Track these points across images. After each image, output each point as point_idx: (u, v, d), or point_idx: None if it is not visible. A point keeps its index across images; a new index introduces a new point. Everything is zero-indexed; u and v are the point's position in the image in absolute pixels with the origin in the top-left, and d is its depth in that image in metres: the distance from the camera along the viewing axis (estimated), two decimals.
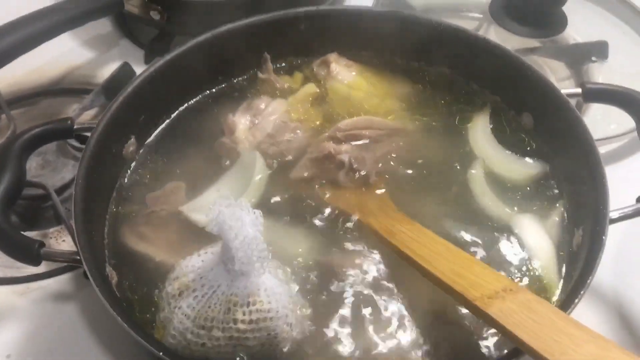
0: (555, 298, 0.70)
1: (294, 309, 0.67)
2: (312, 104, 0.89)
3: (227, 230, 0.59)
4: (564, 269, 0.71)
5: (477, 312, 0.61)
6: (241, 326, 0.62)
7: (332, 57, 0.92)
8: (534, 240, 0.75)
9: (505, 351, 0.64)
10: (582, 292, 0.62)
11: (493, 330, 0.66)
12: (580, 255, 0.69)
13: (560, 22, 1.14)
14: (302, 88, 0.90)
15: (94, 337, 0.79)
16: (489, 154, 0.84)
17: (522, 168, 0.82)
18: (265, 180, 0.80)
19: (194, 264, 0.67)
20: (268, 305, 0.63)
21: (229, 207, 0.60)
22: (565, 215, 0.77)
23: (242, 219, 0.59)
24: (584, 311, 0.75)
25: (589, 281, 0.63)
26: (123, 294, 0.70)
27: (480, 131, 0.86)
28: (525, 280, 0.72)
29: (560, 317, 0.58)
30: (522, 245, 0.75)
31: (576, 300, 0.61)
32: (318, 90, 0.90)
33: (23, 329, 0.81)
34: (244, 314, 0.62)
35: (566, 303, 0.63)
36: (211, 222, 0.60)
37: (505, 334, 0.59)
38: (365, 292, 0.71)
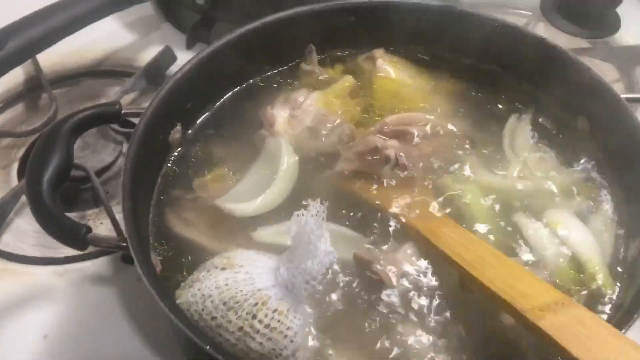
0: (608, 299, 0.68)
1: (306, 345, 0.65)
2: (351, 97, 0.88)
3: (304, 246, 0.61)
4: (618, 284, 0.69)
5: (527, 325, 0.59)
6: (257, 324, 0.61)
7: (379, 52, 0.91)
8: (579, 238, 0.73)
9: None
10: None
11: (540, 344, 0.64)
12: (637, 270, 0.66)
13: (613, 24, 1.11)
14: (340, 80, 0.89)
15: (130, 321, 0.80)
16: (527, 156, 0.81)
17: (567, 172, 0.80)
18: (296, 169, 0.79)
19: (251, 256, 0.67)
20: (291, 324, 0.63)
21: (314, 218, 0.61)
22: (619, 225, 0.75)
23: (319, 246, 0.61)
24: None
25: None
26: (165, 280, 0.69)
27: (519, 133, 0.84)
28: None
29: (615, 335, 0.56)
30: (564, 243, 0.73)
31: (635, 316, 0.59)
32: (356, 82, 0.89)
33: (60, 310, 0.81)
34: (265, 316, 0.62)
35: (622, 321, 0.60)
36: (292, 229, 0.62)
37: (556, 349, 0.57)
38: (404, 303, 0.68)
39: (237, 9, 1.09)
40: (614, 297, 0.68)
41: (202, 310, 0.63)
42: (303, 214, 0.64)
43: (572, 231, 0.73)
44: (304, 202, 0.68)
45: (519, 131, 0.84)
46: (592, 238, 0.73)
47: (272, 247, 0.70)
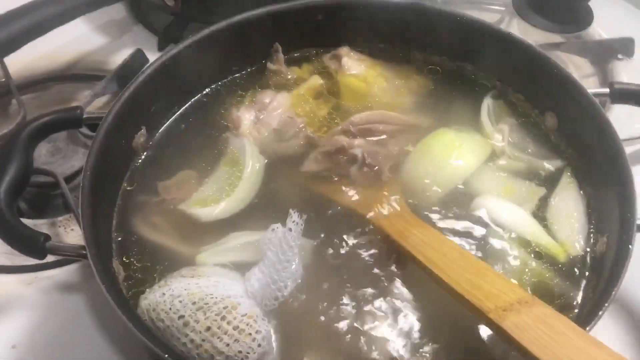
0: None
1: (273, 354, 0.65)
2: (318, 97, 0.87)
3: (277, 259, 0.64)
4: (584, 281, 0.69)
5: (491, 325, 0.59)
6: (225, 325, 0.61)
7: (344, 50, 0.90)
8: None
9: None
10: (605, 305, 0.59)
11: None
12: (604, 265, 0.66)
13: (585, 18, 1.11)
14: (307, 81, 0.88)
15: (100, 329, 0.79)
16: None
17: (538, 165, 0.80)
18: (261, 170, 0.78)
19: (218, 270, 0.68)
20: (260, 328, 0.63)
21: (290, 232, 0.64)
22: (588, 220, 0.74)
23: (293, 261, 0.64)
24: (607, 324, 0.73)
25: (613, 293, 0.60)
26: (130, 288, 0.69)
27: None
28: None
29: (579, 335, 0.56)
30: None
31: (600, 313, 0.59)
32: (323, 83, 0.88)
33: (29, 319, 0.80)
34: (234, 319, 0.62)
35: (588, 317, 0.60)
36: (265, 238, 0.63)
37: (519, 349, 0.56)
38: (374, 301, 0.68)
39: (208, 9, 1.08)
40: (580, 292, 0.67)
41: (170, 309, 0.62)
42: (279, 227, 0.66)
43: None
44: (276, 210, 0.71)
45: (494, 108, 0.85)
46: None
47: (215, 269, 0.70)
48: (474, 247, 0.72)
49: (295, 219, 0.66)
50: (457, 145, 0.79)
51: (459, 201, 0.76)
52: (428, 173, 0.78)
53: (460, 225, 0.74)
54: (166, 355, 0.55)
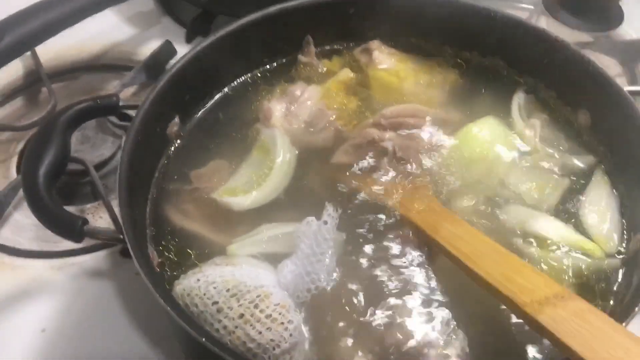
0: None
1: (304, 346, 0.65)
2: (348, 90, 0.87)
3: (312, 252, 0.64)
4: (619, 277, 0.68)
5: (526, 319, 0.59)
6: (258, 313, 0.61)
7: (375, 44, 0.90)
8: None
9: None
10: None
11: (541, 339, 0.63)
12: (638, 262, 0.66)
13: (616, 17, 1.10)
14: (338, 74, 0.88)
15: (128, 315, 0.79)
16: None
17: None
18: (292, 161, 0.79)
19: (251, 260, 0.68)
20: (291, 318, 0.63)
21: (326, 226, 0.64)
22: (621, 217, 0.74)
23: (327, 254, 0.64)
24: None
25: None
26: (163, 274, 0.69)
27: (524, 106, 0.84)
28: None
29: (616, 329, 0.55)
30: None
31: (636, 309, 0.58)
32: (353, 76, 0.88)
33: (58, 304, 0.81)
34: (267, 307, 0.62)
35: (623, 313, 0.60)
36: (299, 231, 0.64)
37: (555, 343, 0.56)
38: (405, 294, 0.68)
39: (237, 2, 1.08)
40: (614, 289, 0.67)
41: (204, 294, 0.63)
42: (313, 220, 0.66)
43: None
44: (306, 201, 0.71)
45: (526, 104, 0.84)
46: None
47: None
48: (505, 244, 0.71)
49: (330, 212, 0.66)
50: (488, 140, 0.79)
51: (491, 201, 0.76)
52: (461, 167, 0.78)
53: (492, 224, 0.73)
54: (203, 339, 0.55)
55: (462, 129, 0.82)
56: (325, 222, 0.66)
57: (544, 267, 0.69)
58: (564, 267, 0.69)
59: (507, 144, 0.81)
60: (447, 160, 0.79)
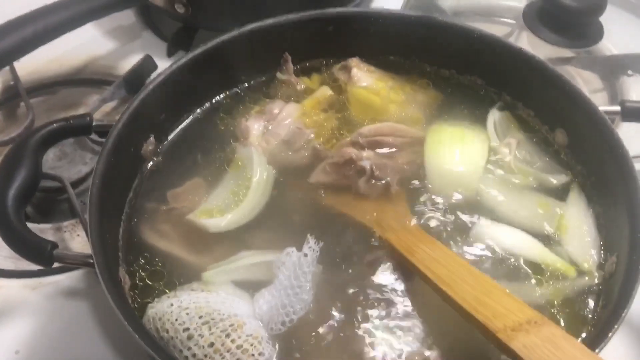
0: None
1: None
2: (327, 108, 0.87)
3: (290, 284, 0.64)
4: (593, 300, 0.68)
5: (499, 345, 0.58)
6: (229, 343, 0.61)
7: (354, 61, 0.90)
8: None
9: None
10: (615, 327, 0.59)
11: None
12: (614, 285, 0.66)
13: (596, 33, 1.10)
14: (316, 92, 0.88)
15: (104, 336, 0.78)
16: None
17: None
18: (269, 181, 0.78)
19: (229, 288, 0.67)
20: (262, 350, 0.62)
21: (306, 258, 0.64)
22: (597, 237, 0.74)
23: (305, 287, 0.63)
24: (617, 346, 0.72)
25: (623, 314, 0.59)
26: (135, 297, 0.68)
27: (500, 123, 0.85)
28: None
29: (588, 356, 0.55)
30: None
31: (609, 335, 0.58)
32: (332, 94, 0.88)
33: (33, 324, 0.80)
34: (239, 337, 0.61)
35: (598, 338, 0.59)
36: (278, 262, 0.63)
37: None
38: (381, 319, 0.67)
39: (218, 16, 1.08)
40: (590, 313, 0.67)
41: (176, 320, 0.62)
42: (293, 251, 0.66)
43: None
44: (284, 224, 0.72)
45: (501, 121, 0.85)
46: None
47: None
48: (480, 263, 0.71)
49: (311, 244, 0.66)
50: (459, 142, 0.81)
51: (466, 214, 0.76)
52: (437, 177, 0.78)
53: (467, 244, 0.73)
54: None
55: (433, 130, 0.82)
56: (306, 255, 0.65)
57: (520, 283, 0.69)
58: (537, 289, 0.69)
59: (481, 156, 0.81)
60: (423, 177, 0.79)
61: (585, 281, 0.70)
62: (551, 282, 0.70)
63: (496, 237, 0.73)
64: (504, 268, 0.71)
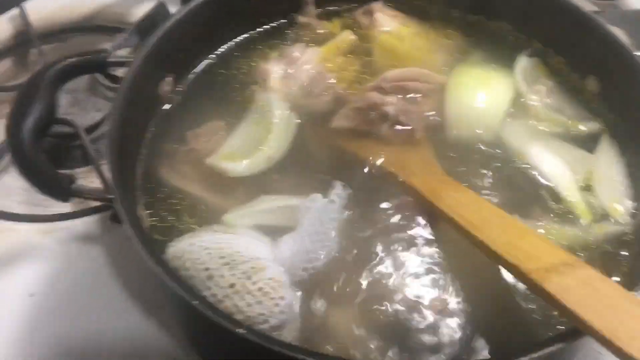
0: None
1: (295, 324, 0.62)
2: (349, 53, 0.84)
3: (314, 230, 0.62)
4: (628, 245, 0.66)
5: (533, 287, 0.56)
6: (249, 285, 0.59)
7: (377, 6, 0.87)
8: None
9: (563, 328, 0.59)
10: None
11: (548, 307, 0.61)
12: None
13: None
14: (338, 36, 0.85)
15: (120, 282, 0.77)
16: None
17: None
18: (290, 126, 0.76)
19: (251, 232, 0.65)
20: (285, 294, 0.60)
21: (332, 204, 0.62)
22: (629, 185, 0.72)
23: (329, 234, 0.61)
24: None
25: None
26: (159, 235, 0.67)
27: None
28: None
29: (626, 297, 0.53)
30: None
31: None
32: (354, 38, 0.85)
33: (47, 269, 0.79)
34: (260, 280, 0.59)
35: (633, 281, 0.57)
36: (303, 207, 0.62)
37: (563, 311, 0.53)
38: (405, 267, 0.65)
39: None
40: (624, 261, 0.65)
41: (197, 259, 0.60)
42: (319, 197, 0.64)
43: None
44: (305, 169, 0.69)
45: (530, 67, 0.82)
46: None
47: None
48: (509, 205, 0.69)
49: (339, 191, 0.63)
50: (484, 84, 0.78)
51: (496, 156, 0.74)
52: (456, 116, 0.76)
53: (498, 179, 0.72)
54: (197, 302, 0.52)
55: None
56: (333, 201, 0.63)
57: (554, 224, 0.68)
58: (570, 232, 0.68)
59: (504, 99, 0.78)
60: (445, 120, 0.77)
61: (618, 229, 0.68)
62: (585, 227, 0.68)
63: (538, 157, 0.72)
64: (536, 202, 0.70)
